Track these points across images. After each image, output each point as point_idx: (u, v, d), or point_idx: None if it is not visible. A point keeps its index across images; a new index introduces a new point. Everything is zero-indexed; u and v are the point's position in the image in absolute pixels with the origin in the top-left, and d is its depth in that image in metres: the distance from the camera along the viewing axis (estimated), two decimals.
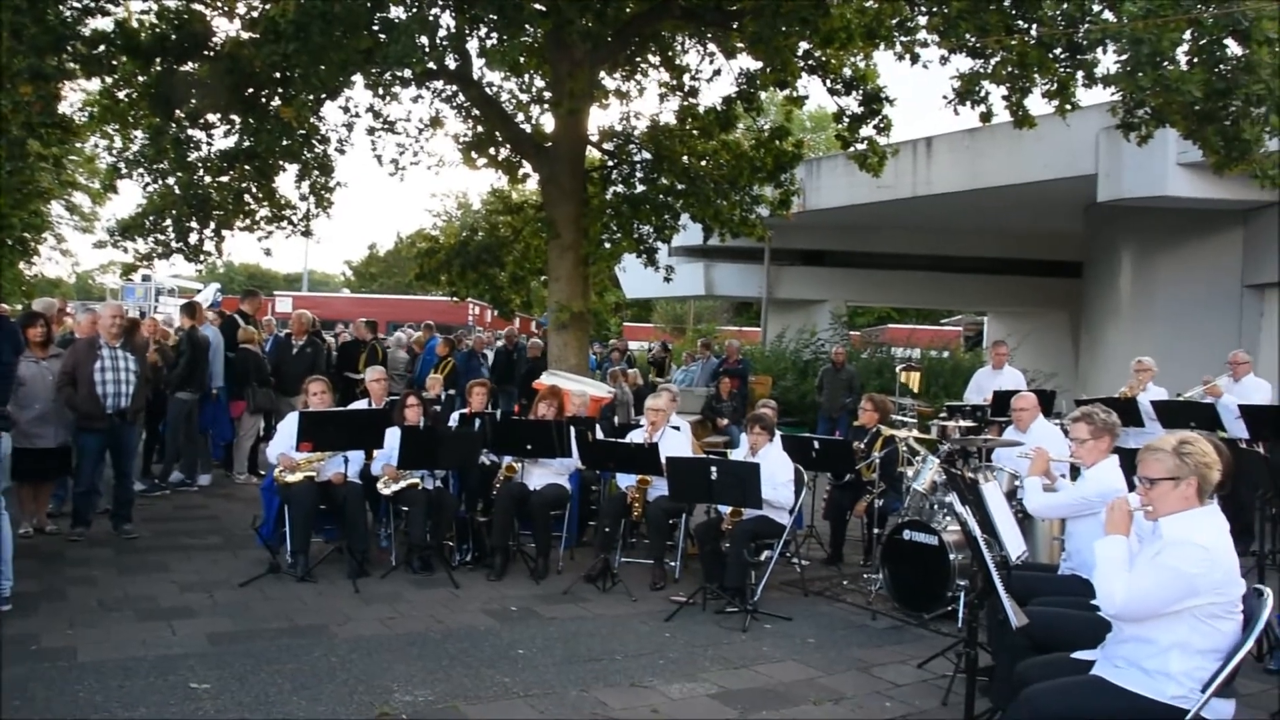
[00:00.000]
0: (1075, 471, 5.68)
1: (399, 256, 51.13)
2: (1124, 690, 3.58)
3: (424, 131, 14.43)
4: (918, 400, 11.33)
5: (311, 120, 12.95)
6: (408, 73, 11.84)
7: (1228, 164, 10.22)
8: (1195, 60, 9.59)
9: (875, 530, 7.95)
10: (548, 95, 13.76)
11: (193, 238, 13.08)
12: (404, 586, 7.24)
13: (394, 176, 14.27)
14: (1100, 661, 3.76)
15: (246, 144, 12.34)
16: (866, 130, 13.19)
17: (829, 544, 8.72)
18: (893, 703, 5.35)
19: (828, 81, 13.23)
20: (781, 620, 6.82)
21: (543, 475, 8.07)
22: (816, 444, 8.35)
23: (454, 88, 13.92)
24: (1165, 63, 9.43)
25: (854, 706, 5.28)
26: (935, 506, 7.03)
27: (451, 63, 12.70)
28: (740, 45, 13.28)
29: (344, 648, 5.81)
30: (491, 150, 14.46)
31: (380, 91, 13.21)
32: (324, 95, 11.65)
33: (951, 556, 6.51)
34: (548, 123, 14.03)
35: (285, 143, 12.16)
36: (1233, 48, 9.57)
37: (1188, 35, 9.56)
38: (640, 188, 14.13)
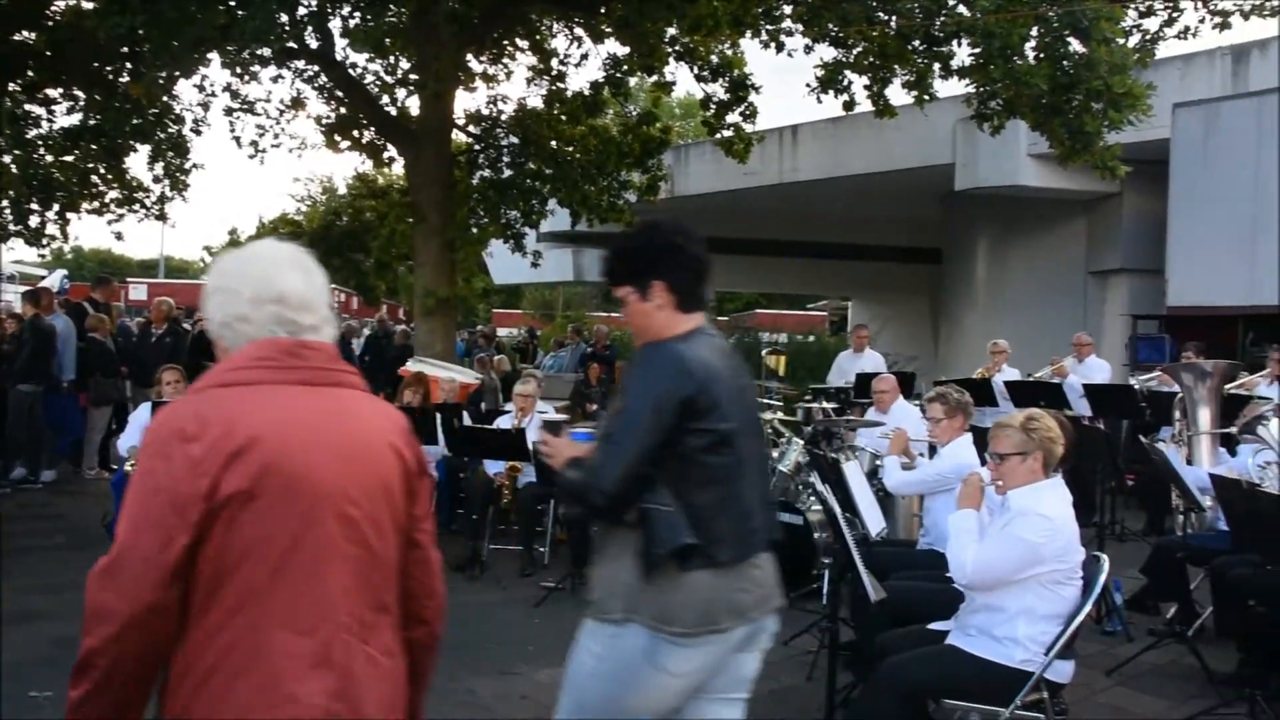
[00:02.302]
0: (934, 450, 5.89)
1: None
2: (976, 657, 3.74)
3: (285, 113, 14.00)
4: (783, 383, 11.55)
5: (164, 99, 12.41)
6: (267, 51, 11.45)
7: (1072, 155, 10.72)
8: (1042, 55, 10.04)
9: None
10: (414, 78, 13.50)
11: (34, 220, 12.40)
12: None
13: (254, 159, 13.79)
14: (954, 631, 3.91)
15: (93, 122, 11.75)
16: (733, 117, 13.36)
17: None
18: (760, 679, 5.43)
19: (695, 68, 13.34)
20: None
21: None
22: None
23: (316, 68, 13.53)
24: (1015, 56, 9.85)
25: None
26: (800, 487, 7.18)
27: (313, 42, 12.35)
28: (608, 30, 13.27)
29: None
30: (355, 133, 14.10)
31: (238, 70, 12.75)
32: (177, 73, 11.17)
33: (816, 535, 6.65)
34: (413, 106, 13.77)
35: (135, 122, 11.64)
36: (1075, 45, 10.05)
37: (1035, 31, 10.00)
38: (507, 173, 13.99)
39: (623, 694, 2.57)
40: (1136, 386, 8.97)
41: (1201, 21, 11.14)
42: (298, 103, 13.88)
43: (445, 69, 11.93)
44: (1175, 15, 11.23)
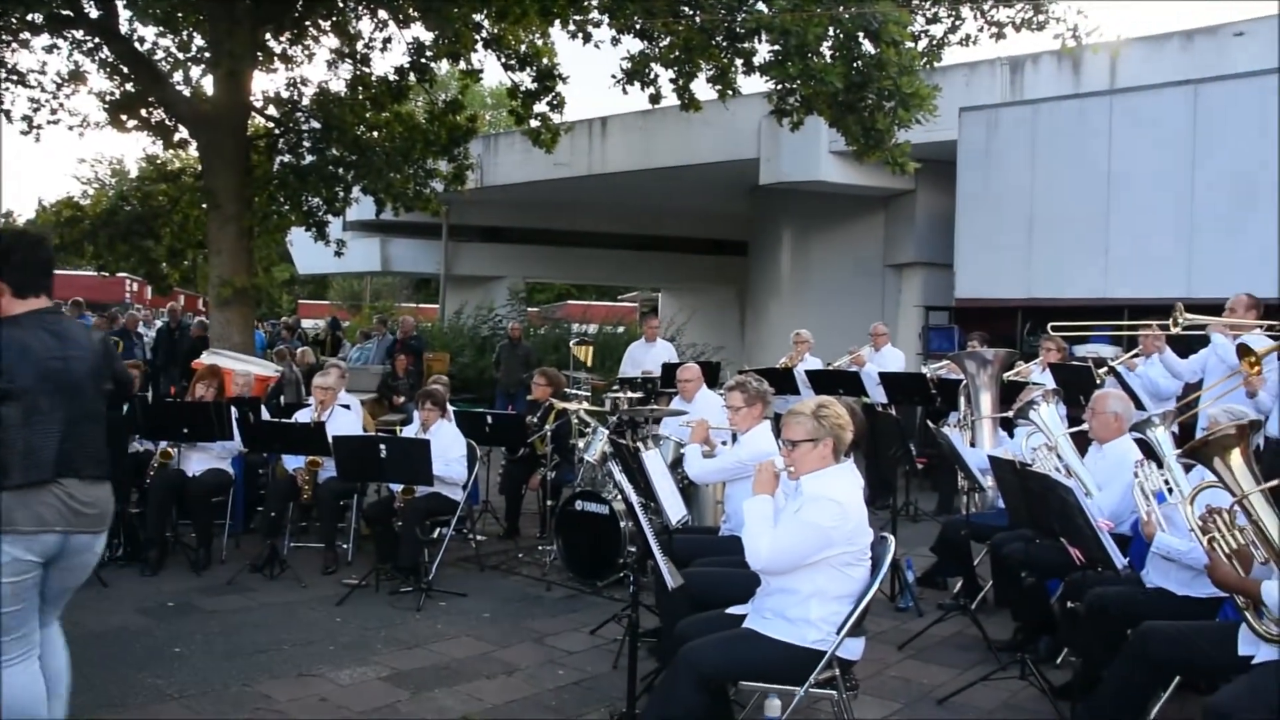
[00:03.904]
0: (737, 438, 6.01)
1: (42, 227, 46.21)
2: (772, 639, 3.84)
3: (62, 87, 13.04)
4: (592, 374, 11.62)
5: None
6: (38, 17, 10.64)
7: (867, 151, 11.19)
8: (837, 55, 10.43)
9: (549, 502, 8.08)
10: (207, 55, 12.82)
11: None
12: None
13: (28, 136, 12.75)
14: (751, 614, 4.00)
15: None
16: (540, 107, 13.31)
17: (505, 518, 8.78)
18: (566, 670, 5.46)
19: (502, 57, 13.21)
20: (457, 597, 6.78)
21: (202, 460, 7.56)
22: (489, 419, 8.35)
23: (97, 39, 12.67)
24: (811, 54, 10.19)
25: (527, 677, 5.34)
26: (606, 477, 7.22)
27: (94, 11, 11.55)
28: (414, 14, 12.98)
29: None
30: (143, 112, 13.30)
31: (5, 37, 11.80)
32: None
33: (622, 524, 6.70)
34: (208, 85, 13.08)
35: None
36: (868, 46, 10.49)
37: (831, 31, 10.38)
38: (309, 158, 13.50)
39: None
40: (928, 374, 9.40)
41: (980, 30, 11.84)
42: (76, 76, 12.95)
43: (241, 47, 11.39)
44: (958, 23, 11.89)
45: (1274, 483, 3.85)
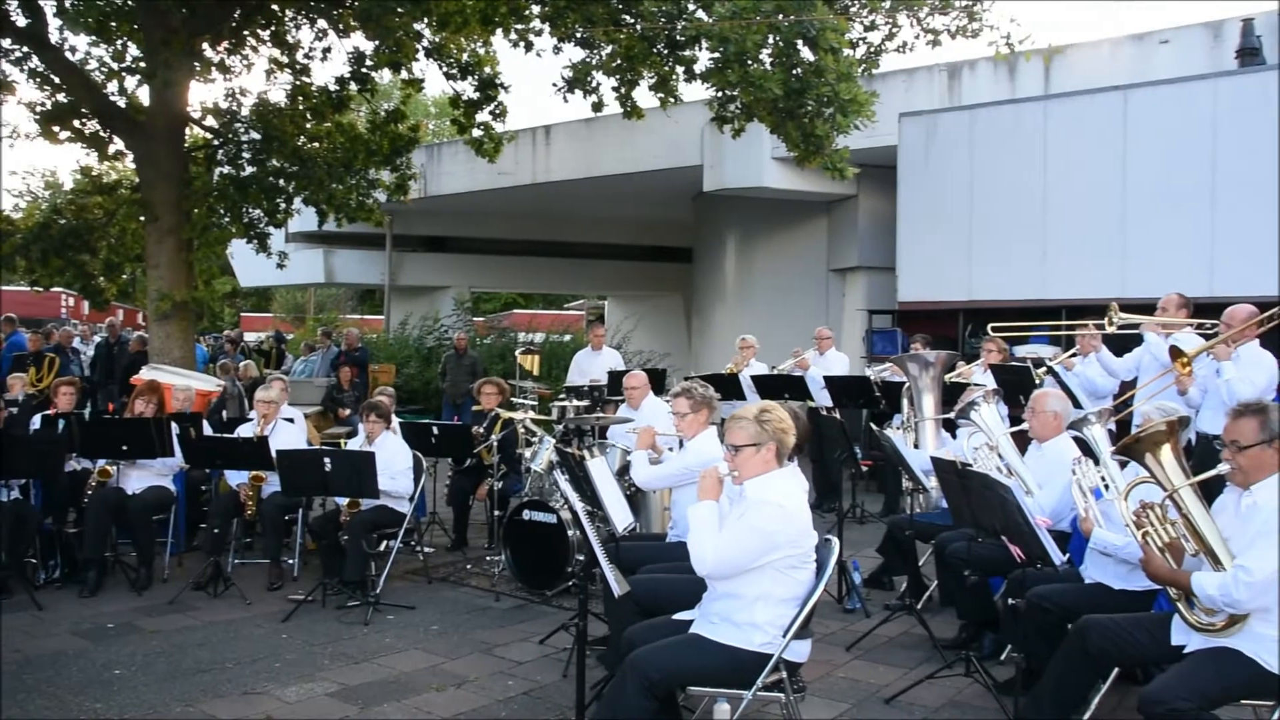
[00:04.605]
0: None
1: None
2: (718, 644, 3.86)
3: None
4: (538, 383, 11.58)
5: None
6: None
7: (807, 157, 11.28)
8: (776, 62, 10.53)
9: (497, 513, 8.05)
10: (142, 65, 12.59)
11: None
12: None
13: None
14: (698, 620, 4.02)
15: None
16: (483, 116, 13.26)
17: (453, 530, 8.73)
18: (515, 680, 5.45)
19: (444, 66, 13.15)
20: (405, 610, 6.74)
21: (142, 478, 7.45)
22: (435, 430, 8.31)
23: (25, 48, 12.40)
24: (751, 62, 10.27)
25: (477, 689, 5.31)
26: (553, 486, 7.21)
27: (21, 19, 11.30)
28: (355, 24, 12.87)
29: None
30: (76, 123, 13.03)
31: None
32: None
33: (570, 533, 6.70)
34: (144, 96, 12.85)
35: None
36: (806, 53, 10.60)
37: (770, 39, 10.47)
38: (249, 169, 13.32)
39: None
40: (872, 377, 9.49)
41: (917, 38, 12.02)
42: (4, 86, 12.66)
43: (176, 57, 11.22)
44: (895, 30, 12.07)
45: (1203, 476, 3.95)
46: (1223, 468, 3.87)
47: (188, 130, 12.97)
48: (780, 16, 9.97)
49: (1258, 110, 10.35)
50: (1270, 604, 3.64)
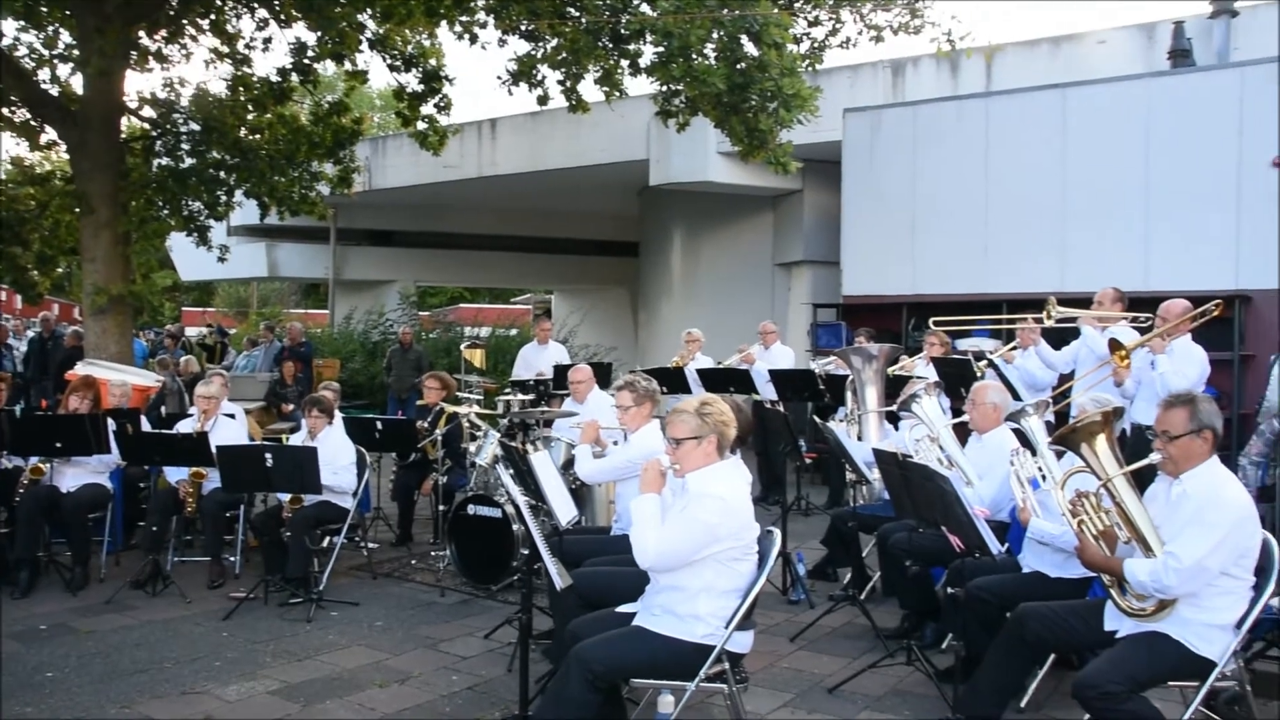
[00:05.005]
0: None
1: None
2: (661, 636, 3.87)
3: None
4: (484, 377, 11.52)
5: None
6: None
7: (751, 152, 11.34)
8: (720, 56, 10.56)
9: (442, 507, 8.00)
10: (76, 53, 12.29)
11: None
12: None
13: None
14: (641, 612, 4.03)
15: None
16: (427, 109, 13.15)
17: (398, 525, 8.67)
18: (459, 676, 5.42)
19: (387, 58, 13.01)
20: (349, 606, 6.68)
21: (77, 475, 7.29)
22: (379, 424, 8.24)
23: None
24: (695, 56, 10.30)
25: (421, 684, 5.28)
26: (498, 480, 7.18)
27: None
28: (297, 14, 12.68)
29: None
30: (5, 111, 12.69)
31: None
32: None
33: (515, 527, 6.68)
34: (77, 84, 12.56)
35: None
36: (750, 48, 10.65)
37: (714, 34, 10.50)
38: (188, 161, 13.07)
39: None
40: (816, 371, 9.57)
41: (860, 34, 12.12)
42: None
43: (111, 45, 10.96)
44: (838, 26, 12.15)
45: (1135, 466, 4.04)
46: (1154, 457, 3.96)
47: (124, 120, 12.70)
48: (724, 11, 10.00)
49: (1188, 110, 10.60)
50: (1197, 589, 3.74)
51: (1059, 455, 4.86)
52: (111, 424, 7.46)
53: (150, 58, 12.99)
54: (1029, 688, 4.73)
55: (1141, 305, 7.72)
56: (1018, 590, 4.70)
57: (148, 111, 13.09)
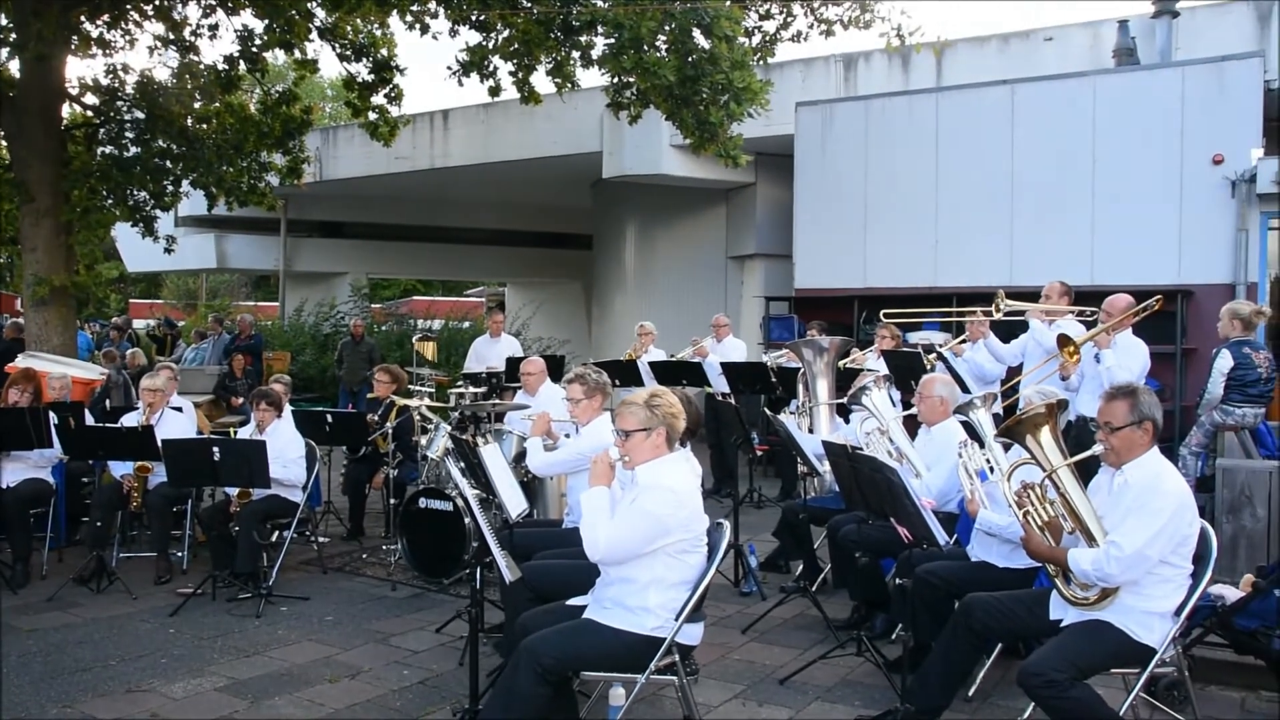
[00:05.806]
0: None
1: None
2: (611, 628, 3.87)
3: None
4: (436, 370, 11.45)
5: None
6: None
7: (702, 144, 11.36)
8: (671, 48, 10.57)
9: (393, 501, 7.95)
10: (12, 37, 12.00)
11: None
12: None
13: None
14: (591, 605, 4.03)
15: None
16: (378, 99, 13.02)
17: (348, 519, 8.59)
18: (410, 670, 5.39)
19: (337, 47, 12.86)
20: (298, 601, 6.62)
21: (18, 470, 7.17)
22: (330, 418, 8.16)
23: None
24: (646, 48, 10.29)
25: (371, 679, 5.25)
26: (449, 473, 7.14)
27: None
28: (244, 1, 12.49)
29: None
30: None
31: None
32: None
33: (467, 520, 6.64)
34: (14, 69, 12.26)
35: None
36: (701, 41, 10.66)
37: (666, 26, 10.50)
38: (133, 150, 12.84)
39: None
40: (768, 363, 9.61)
41: (811, 27, 12.18)
42: None
43: (50, 30, 10.72)
44: (789, 20, 12.21)
45: (1079, 457, 4.10)
46: (1097, 449, 4.02)
47: (65, 107, 12.45)
48: (675, 3, 10.01)
49: (1132, 107, 10.78)
50: (1138, 577, 3.81)
51: (1006, 447, 4.93)
52: (53, 417, 7.32)
53: (92, 43, 12.72)
54: (976, 676, 4.80)
55: (1088, 299, 7.84)
56: (965, 578, 4.76)
57: (90, 98, 12.84)
